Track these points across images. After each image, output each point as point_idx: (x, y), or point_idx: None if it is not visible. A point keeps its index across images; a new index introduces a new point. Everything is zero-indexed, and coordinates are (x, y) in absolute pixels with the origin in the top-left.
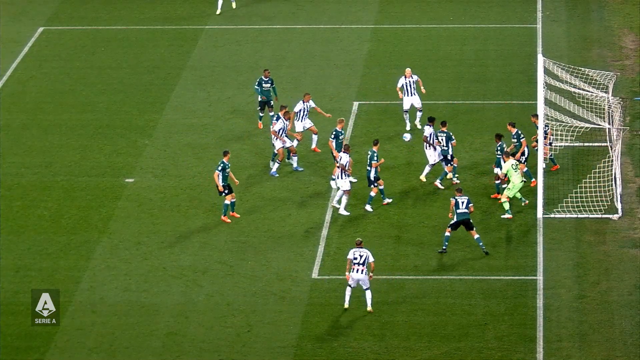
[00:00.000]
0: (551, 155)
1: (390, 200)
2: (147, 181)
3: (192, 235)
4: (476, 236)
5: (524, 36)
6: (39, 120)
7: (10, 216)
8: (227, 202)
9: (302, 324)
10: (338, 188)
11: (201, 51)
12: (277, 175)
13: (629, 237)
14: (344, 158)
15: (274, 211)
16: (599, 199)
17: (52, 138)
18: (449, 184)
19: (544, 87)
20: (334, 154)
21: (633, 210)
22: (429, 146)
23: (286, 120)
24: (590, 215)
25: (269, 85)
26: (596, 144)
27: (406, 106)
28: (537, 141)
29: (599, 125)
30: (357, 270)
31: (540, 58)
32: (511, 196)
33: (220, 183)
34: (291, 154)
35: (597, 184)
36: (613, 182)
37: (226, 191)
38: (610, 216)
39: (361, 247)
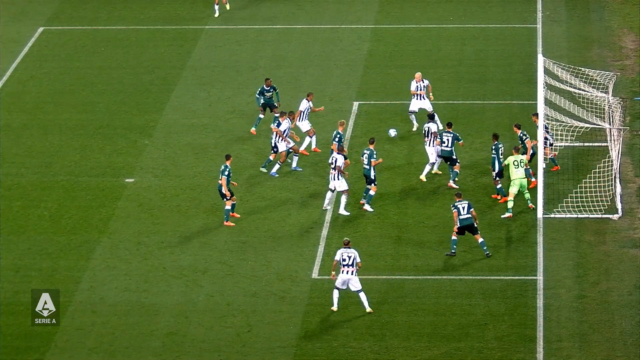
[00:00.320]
0: (552, 156)
1: (371, 210)
2: (147, 181)
3: (192, 235)
4: (480, 240)
5: (524, 36)
6: (39, 120)
7: (10, 216)
8: (228, 207)
9: (302, 324)
10: (332, 190)
11: (201, 51)
12: (277, 175)
13: (629, 237)
14: (339, 159)
15: (274, 211)
16: (599, 199)
17: (52, 138)
18: (442, 179)
19: (544, 87)
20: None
21: (633, 210)
22: (431, 143)
23: (291, 121)
24: (590, 215)
25: (270, 93)
26: (596, 144)
27: (413, 107)
28: (540, 141)
29: (599, 125)
30: (347, 271)
31: (540, 58)
32: (515, 192)
33: (226, 188)
34: (292, 154)
35: (597, 184)
36: (613, 182)
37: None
38: (610, 216)
39: (349, 247)
